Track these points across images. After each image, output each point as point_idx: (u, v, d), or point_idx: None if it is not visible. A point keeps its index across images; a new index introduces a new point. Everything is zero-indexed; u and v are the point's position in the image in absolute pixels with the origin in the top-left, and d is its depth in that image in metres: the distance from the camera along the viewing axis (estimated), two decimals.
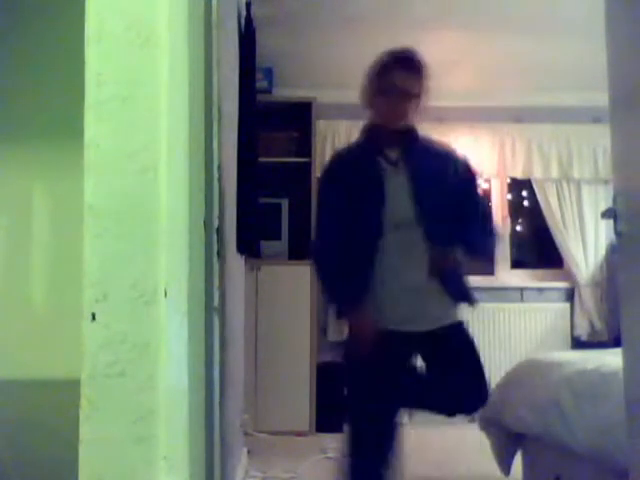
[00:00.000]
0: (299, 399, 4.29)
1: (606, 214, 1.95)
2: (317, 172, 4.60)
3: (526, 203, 5.42)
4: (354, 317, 2.19)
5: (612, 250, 4.75)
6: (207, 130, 1.73)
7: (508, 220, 5.19)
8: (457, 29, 4.08)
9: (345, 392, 2.35)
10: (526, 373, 2.84)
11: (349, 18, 3.90)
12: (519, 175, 5.10)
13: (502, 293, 4.99)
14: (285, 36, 4.13)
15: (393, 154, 2.26)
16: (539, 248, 5.48)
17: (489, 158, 5.06)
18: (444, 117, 5.04)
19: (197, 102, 1.54)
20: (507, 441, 2.88)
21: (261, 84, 4.42)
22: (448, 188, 2.24)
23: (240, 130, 2.76)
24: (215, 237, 1.82)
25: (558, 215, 5.01)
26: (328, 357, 4.72)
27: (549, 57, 4.42)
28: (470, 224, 2.26)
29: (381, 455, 2.18)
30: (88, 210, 1.18)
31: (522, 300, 5.02)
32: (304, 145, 4.61)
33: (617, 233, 1.86)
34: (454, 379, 2.21)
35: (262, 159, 3.88)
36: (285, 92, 4.71)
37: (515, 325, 4.93)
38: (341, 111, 4.88)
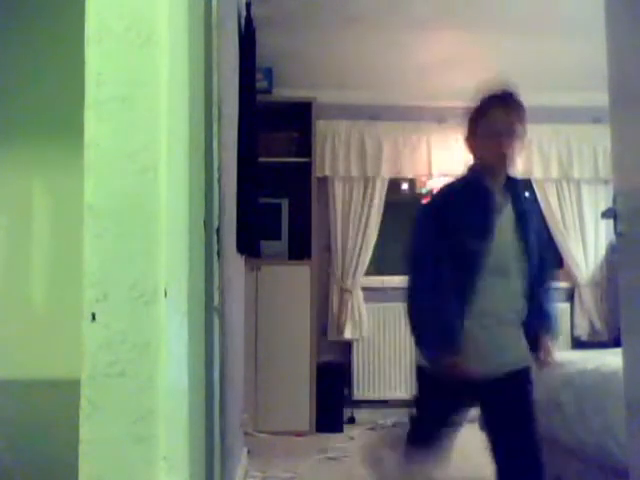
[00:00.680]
0: (299, 399, 4.29)
1: (606, 214, 1.95)
2: (317, 172, 4.61)
3: None
4: (448, 365, 2.05)
5: (612, 250, 4.75)
6: (207, 130, 1.73)
7: None
8: (457, 29, 4.08)
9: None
10: None
11: (349, 18, 3.90)
12: (519, 175, 5.09)
13: None
14: (285, 36, 4.13)
15: (499, 196, 2.19)
16: None
17: None
18: (444, 117, 5.04)
19: (197, 102, 1.54)
20: None
21: (261, 84, 4.42)
22: (538, 233, 2.25)
23: (240, 130, 2.76)
24: (215, 237, 1.82)
25: (558, 215, 5.01)
26: (328, 357, 4.72)
27: (549, 57, 4.42)
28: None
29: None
30: (88, 210, 1.18)
31: None
32: (304, 145, 4.61)
33: (617, 233, 1.86)
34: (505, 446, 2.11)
35: (262, 159, 3.88)
36: (285, 92, 4.71)
37: None
38: (341, 111, 4.89)
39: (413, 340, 2.16)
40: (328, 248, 4.84)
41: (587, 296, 4.93)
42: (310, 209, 4.51)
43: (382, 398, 4.74)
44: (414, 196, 5.14)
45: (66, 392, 1.36)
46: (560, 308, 4.98)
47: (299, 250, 4.51)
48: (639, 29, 1.79)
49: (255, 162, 3.11)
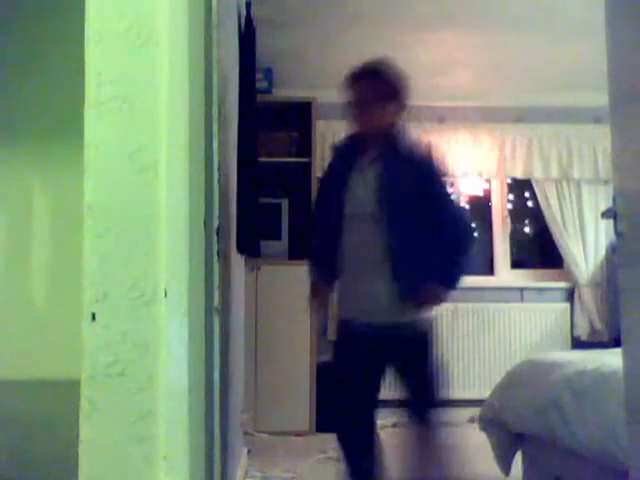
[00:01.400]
0: (299, 399, 4.29)
1: (606, 214, 1.95)
2: (317, 172, 4.61)
3: (526, 203, 5.42)
4: (318, 288, 2.56)
5: (612, 250, 4.75)
6: (207, 130, 1.73)
7: (508, 220, 5.19)
8: (457, 29, 4.08)
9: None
10: (526, 373, 2.84)
11: (349, 18, 3.90)
12: (519, 175, 5.10)
13: (502, 293, 5.00)
14: (285, 36, 4.13)
15: (372, 154, 2.43)
16: (539, 248, 5.48)
17: (489, 158, 5.06)
18: (444, 117, 5.05)
19: (197, 102, 1.54)
20: (507, 441, 2.88)
21: (261, 84, 4.42)
22: (414, 191, 2.36)
23: (240, 130, 2.76)
24: (215, 237, 1.82)
25: (558, 215, 5.01)
26: (328, 357, 4.71)
27: (549, 57, 4.42)
28: (438, 251, 2.36)
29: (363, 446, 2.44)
30: (88, 210, 1.18)
31: (522, 300, 5.02)
32: (304, 145, 4.61)
33: (617, 233, 1.85)
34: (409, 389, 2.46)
35: (262, 159, 3.88)
36: (285, 92, 4.71)
37: (515, 325, 4.93)
38: (341, 111, 4.88)
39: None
40: None
41: (587, 296, 4.93)
42: (310, 209, 4.51)
43: (382, 398, 4.73)
44: None
45: (66, 392, 1.36)
46: (560, 308, 5.00)
47: (299, 250, 4.51)
48: (639, 29, 1.79)
49: (255, 162, 3.10)
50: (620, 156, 1.90)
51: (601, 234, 4.98)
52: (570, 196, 5.03)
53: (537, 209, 5.16)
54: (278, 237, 4.50)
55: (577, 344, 4.89)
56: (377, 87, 2.43)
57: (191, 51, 1.35)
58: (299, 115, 4.65)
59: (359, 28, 4.03)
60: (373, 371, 2.45)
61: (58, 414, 1.69)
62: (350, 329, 2.44)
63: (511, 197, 5.30)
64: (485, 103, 5.06)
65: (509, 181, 5.24)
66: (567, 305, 5.00)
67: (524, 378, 2.81)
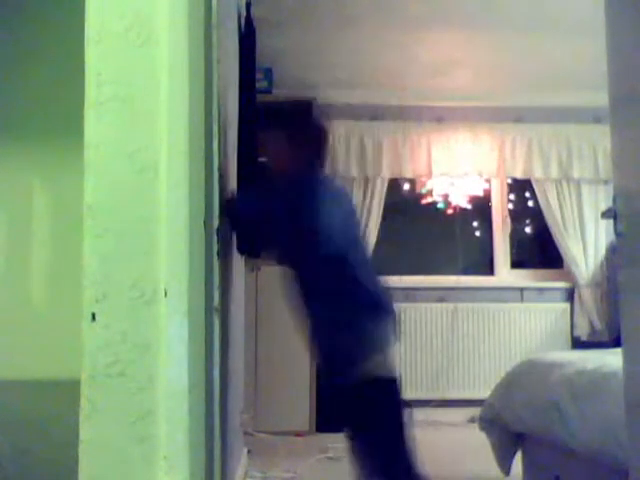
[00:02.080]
0: (299, 399, 4.29)
1: (606, 214, 1.95)
2: None
3: (526, 203, 5.42)
4: None
5: (612, 250, 4.75)
6: (207, 130, 1.73)
7: (508, 220, 5.19)
8: (457, 29, 4.08)
9: None
10: (526, 373, 2.84)
11: (349, 18, 3.90)
12: (519, 175, 5.10)
13: (502, 293, 5.00)
14: (285, 36, 4.13)
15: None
16: (539, 248, 5.48)
17: (489, 158, 5.06)
18: (444, 117, 5.04)
19: (197, 102, 1.54)
20: (507, 441, 2.88)
21: (261, 84, 4.42)
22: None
23: (240, 130, 2.76)
24: (215, 237, 1.82)
25: (558, 215, 5.01)
26: None
27: (549, 57, 4.43)
28: None
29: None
30: (88, 210, 1.18)
31: (522, 300, 5.02)
32: None
33: (617, 233, 1.85)
34: None
35: (262, 159, 3.87)
36: (285, 92, 4.71)
37: (515, 325, 4.93)
38: (341, 111, 4.89)
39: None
40: None
41: (587, 296, 4.93)
42: None
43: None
44: (414, 196, 5.14)
45: (66, 392, 1.36)
46: (560, 308, 5.00)
47: None
48: (639, 29, 1.79)
49: (255, 162, 3.10)
50: (620, 156, 1.90)
51: (601, 234, 4.98)
52: (570, 196, 5.03)
53: (537, 209, 5.16)
54: None
55: (577, 344, 4.89)
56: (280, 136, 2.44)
57: (191, 51, 1.35)
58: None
59: (359, 28, 4.03)
60: None
61: (58, 414, 1.69)
62: None
63: (511, 197, 5.30)
64: (485, 103, 5.06)
65: (509, 181, 5.24)
66: (567, 305, 5.00)
67: (524, 378, 2.81)
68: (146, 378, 1.16)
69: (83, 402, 1.15)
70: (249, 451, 3.55)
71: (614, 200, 1.86)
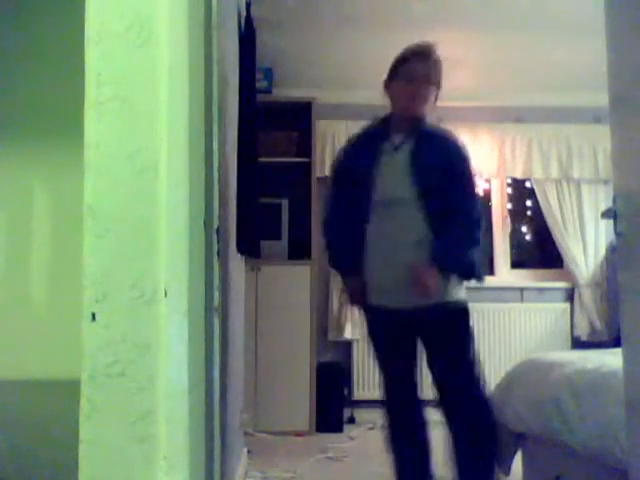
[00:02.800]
0: (299, 399, 4.29)
1: (606, 214, 1.95)
2: (317, 172, 4.61)
3: (526, 203, 5.42)
4: (348, 280, 2.59)
5: (612, 250, 4.75)
6: (207, 130, 1.73)
7: (508, 220, 5.19)
8: (457, 29, 4.08)
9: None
10: (526, 373, 2.84)
11: (349, 18, 3.90)
12: (519, 175, 5.10)
13: (502, 293, 4.99)
14: (285, 36, 4.13)
15: (397, 139, 2.48)
16: (539, 248, 5.48)
17: (489, 158, 5.06)
18: (444, 117, 5.03)
19: (197, 102, 1.54)
20: (507, 441, 2.88)
21: (261, 84, 4.42)
22: (445, 173, 2.41)
23: (240, 130, 2.76)
24: (215, 237, 1.82)
25: (558, 215, 5.01)
26: (328, 357, 4.72)
27: (549, 57, 4.43)
28: (448, 229, 2.38)
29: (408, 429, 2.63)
30: (88, 210, 1.18)
31: (522, 300, 5.02)
32: (304, 145, 4.61)
33: (617, 233, 1.85)
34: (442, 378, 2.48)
35: (262, 159, 3.88)
36: (285, 92, 4.71)
37: (515, 325, 4.93)
38: (341, 111, 4.89)
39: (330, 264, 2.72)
40: None
41: (587, 296, 4.93)
42: (310, 209, 4.51)
43: (382, 398, 4.73)
44: None
45: (66, 392, 1.36)
46: (560, 308, 5.00)
47: (299, 250, 4.51)
48: (639, 29, 1.79)
49: (255, 162, 3.10)
50: (620, 156, 1.90)
51: (601, 234, 4.98)
52: (570, 196, 5.03)
53: (537, 209, 5.16)
54: (278, 237, 4.50)
55: (577, 344, 4.89)
56: (429, 68, 2.48)
57: (191, 51, 1.35)
58: (299, 115, 4.65)
59: (359, 28, 4.03)
60: (408, 346, 2.51)
61: (58, 414, 1.69)
62: (384, 314, 2.46)
63: (511, 197, 5.30)
64: (485, 103, 5.06)
65: (509, 181, 5.23)
66: (567, 305, 5.00)
67: (524, 378, 2.81)
68: (146, 378, 1.16)
69: (83, 402, 1.15)
70: (249, 451, 3.55)
71: (614, 200, 1.86)
